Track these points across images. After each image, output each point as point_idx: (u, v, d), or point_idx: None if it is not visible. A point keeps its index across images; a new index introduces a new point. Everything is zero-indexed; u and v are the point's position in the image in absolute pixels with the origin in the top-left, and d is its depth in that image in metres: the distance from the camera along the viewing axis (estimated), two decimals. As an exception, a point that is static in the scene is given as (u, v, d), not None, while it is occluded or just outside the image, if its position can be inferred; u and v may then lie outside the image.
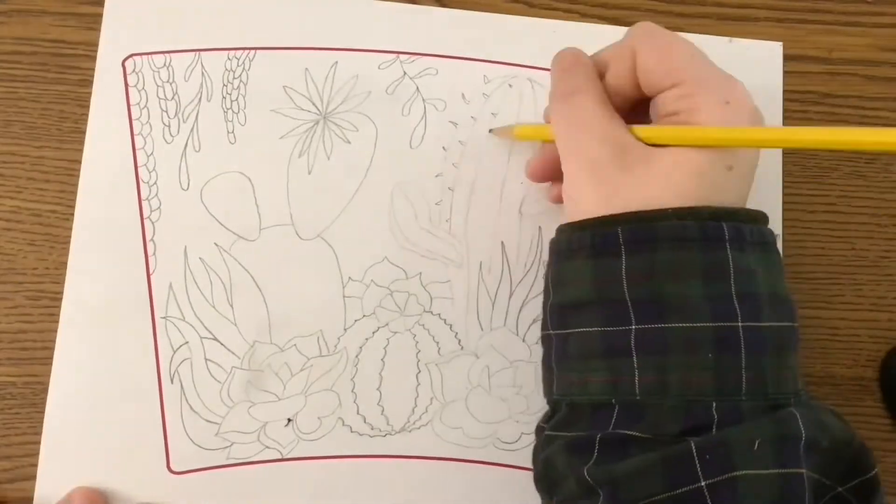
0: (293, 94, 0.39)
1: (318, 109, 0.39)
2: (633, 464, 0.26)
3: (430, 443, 0.37)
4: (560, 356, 0.30)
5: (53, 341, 0.36)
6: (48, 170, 0.38)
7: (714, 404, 0.26)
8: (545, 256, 0.35)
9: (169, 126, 0.38)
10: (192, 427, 0.36)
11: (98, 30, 0.39)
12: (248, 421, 0.36)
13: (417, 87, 0.39)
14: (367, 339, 0.37)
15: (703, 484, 0.25)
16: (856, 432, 0.28)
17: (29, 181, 0.38)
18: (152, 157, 0.38)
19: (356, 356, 0.37)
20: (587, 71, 0.31)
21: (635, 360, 0.27)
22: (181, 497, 0.35)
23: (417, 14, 0.40)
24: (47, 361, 0.36)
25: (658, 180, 0.28)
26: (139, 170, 0.38)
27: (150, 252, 0.37)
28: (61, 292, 0.36)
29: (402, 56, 0.40)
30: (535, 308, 0.38)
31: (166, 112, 0.38)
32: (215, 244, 0.37)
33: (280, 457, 0.36)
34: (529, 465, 0.32)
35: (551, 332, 0.30)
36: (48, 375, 0.35)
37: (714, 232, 0.27)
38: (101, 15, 0.39)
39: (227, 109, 0.38)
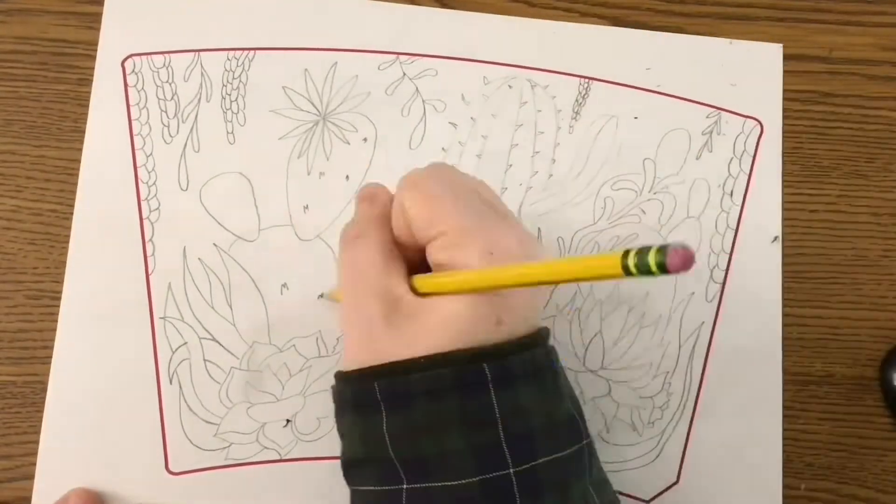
0: (292, 94, 0.39)
1: (318, 110, 0.39)
2: None
3: (429, 443, 0.36)
4: None
5: (54, 340, 0.36)
6: (48, 169, 0.38)
7: None
8: (543, 257, 0.35)
9: (168, 126, 0.38)
10: (191, 427, 0.36)
11: (98, 29, 0.39)
12: (246, 422, 0.36)
13: (417, 88, 0.39)
14: (366, 339, 0.37)
15: None
16: None
17: (29, 180, 0.38)
18: (151, 157, 0.38)
19: (355, 356, 0.37)
20: (377, 214, 0.30)
21: None
22: (179, 497, 0.35)
23: (417, 15, 0.40)
24: (47, 361, 0.36)
25: (422, 338, 0.26)
26: (138, 170, 0.38)
27: (148, 252, 0.37)
28: (62, 291, 0.36)
29: (401, 57, 0.40)
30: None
31: (165, 112, 0.38)
32: (214, 245, 0.37)
33: (279, 457, 0.36)
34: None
35: (349, 486, 0.29)
36: (48, 375, 0.35)
37: (473, 377, 0.26)
38: (100, 14, 0.39)
39: (227, 110, 0.38)
